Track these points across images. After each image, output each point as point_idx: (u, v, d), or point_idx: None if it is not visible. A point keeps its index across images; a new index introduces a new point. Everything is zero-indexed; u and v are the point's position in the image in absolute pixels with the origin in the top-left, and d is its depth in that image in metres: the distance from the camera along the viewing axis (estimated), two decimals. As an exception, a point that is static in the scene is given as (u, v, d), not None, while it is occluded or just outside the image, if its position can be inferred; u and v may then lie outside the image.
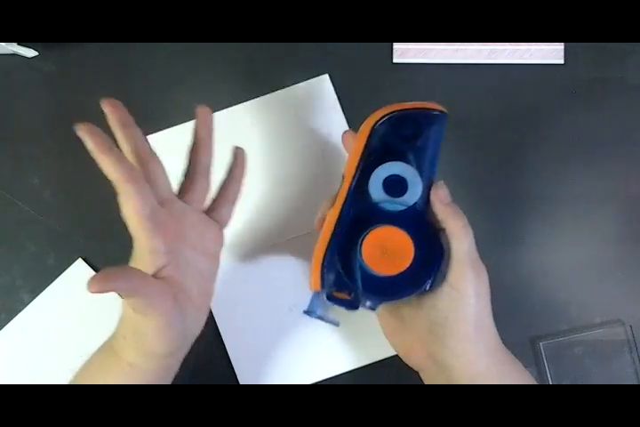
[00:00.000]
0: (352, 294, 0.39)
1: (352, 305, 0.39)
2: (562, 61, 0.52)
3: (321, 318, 0.40)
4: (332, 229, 0.39)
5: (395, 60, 0.52)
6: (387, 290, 0.39)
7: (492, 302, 0.39)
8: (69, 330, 0.50)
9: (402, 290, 0.39)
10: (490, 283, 0.39)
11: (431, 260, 0.39)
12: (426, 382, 0.41)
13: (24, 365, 0.50)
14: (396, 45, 0.52)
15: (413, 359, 0.42)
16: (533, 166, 0.52)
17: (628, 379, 0.49)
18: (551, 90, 0.52)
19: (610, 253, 0.51)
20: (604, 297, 0.50)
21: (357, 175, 0.40)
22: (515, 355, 0.41)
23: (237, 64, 0.53)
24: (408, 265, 0.38)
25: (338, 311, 0.42)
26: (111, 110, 0.40)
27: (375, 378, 0.49)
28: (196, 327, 0.41)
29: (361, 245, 0.38)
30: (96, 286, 0.32)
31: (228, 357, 0.50)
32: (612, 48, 0.52)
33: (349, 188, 0.40)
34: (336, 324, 0.41)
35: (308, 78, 0.52)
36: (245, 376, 0.50)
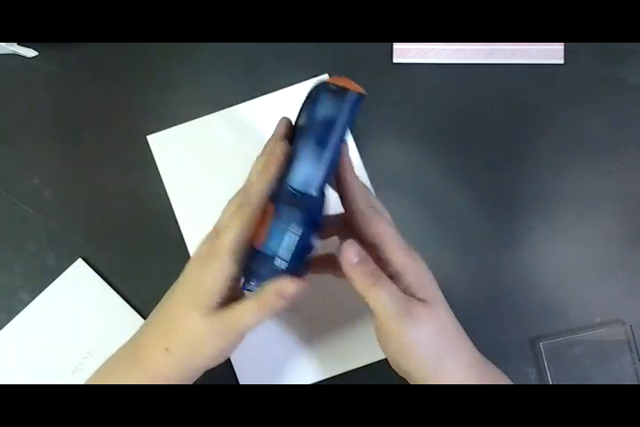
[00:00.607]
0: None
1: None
2: (562, 61, 0.52)
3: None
4: None
5: (395, 60, 0.52)
6: (256, 264, 0.37)
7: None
8: (69, 330, 0.50)
9: (261, 268, 0.37)
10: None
11: (294, 245, 0.36)
12: None
13: (24, 365, 0.50)
14: (396, 45, 0.52)
15: (397, 370, 0.41)
16: (533, 166, 0.52)
17: (628, 379, 0.49)
18: (551, 90, 0.52)
19: (610, 253, 0.51)
20: (603, 297, 0.50)
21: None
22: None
23: (237, 64, 0.53)
24: (263, 239, 0.36)
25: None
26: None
27: (375, 378, 0.49)
28: None
29: None
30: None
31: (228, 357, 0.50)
32: (612, 48, 0.52)
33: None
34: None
35: (308, 78, 0.52)
36: (245, 376, 0.50)
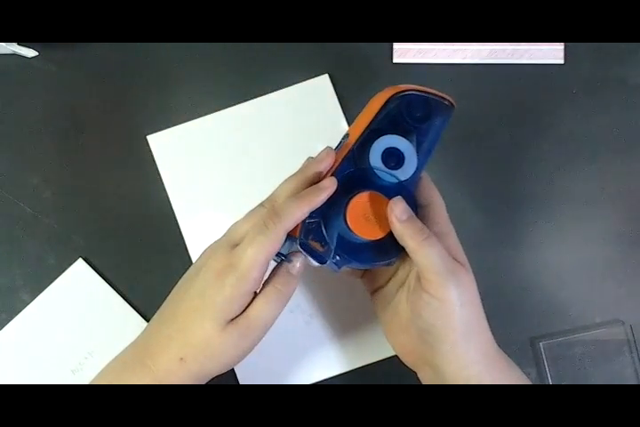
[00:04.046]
0: (325, 247, 0.38)
1: (320, 258, 0.38)
2: (562, 61, 0.52)
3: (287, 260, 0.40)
4: None
5: (395, 60, 0.52)
6: (357, 253, 0.39)
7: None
8: (69, 330, 0.50)
9: (371, 258, 0.39)
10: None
11: None
12: (422, 382, 0.41)
13: (24, 365, 0.50)
14: (396, 45, 0.52)
15: (410, 359, 0.41)
16: (533, 166, 0.52)
17: (628, 379, 0.49)
18: (551, 90, 0.52)
19: (610, 253, 0.51)
20: (603, 297, 0.50)
21: (363, 138, 0.40)
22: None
23: (237, 64, 0.53)
24: (384, 234, 0.39)
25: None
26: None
27: (374, 378, 0.49)
28: None
29: (347, 203, 0.38)
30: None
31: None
32: (612, 48, 0.52)
33: (352, 147, 0.40)
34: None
35: (308, 78, 0.52)
36: (245, 376, 0.50)
